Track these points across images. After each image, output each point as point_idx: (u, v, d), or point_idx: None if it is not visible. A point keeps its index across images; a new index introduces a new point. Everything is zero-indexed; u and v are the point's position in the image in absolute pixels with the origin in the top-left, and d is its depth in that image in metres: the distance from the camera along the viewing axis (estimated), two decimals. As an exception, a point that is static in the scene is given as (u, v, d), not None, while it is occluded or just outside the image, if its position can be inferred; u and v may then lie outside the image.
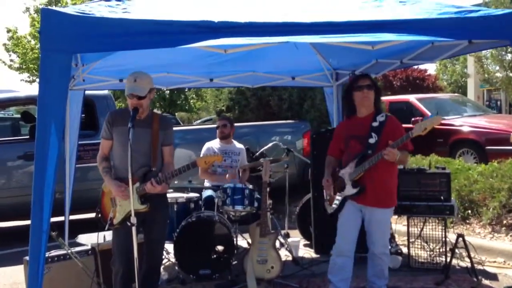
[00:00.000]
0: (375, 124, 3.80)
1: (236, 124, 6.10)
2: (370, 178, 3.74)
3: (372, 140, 3.76)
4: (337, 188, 3.92)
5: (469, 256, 4.70)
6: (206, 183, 5.65)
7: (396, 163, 3.71)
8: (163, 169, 3.74)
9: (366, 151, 3.73)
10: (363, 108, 3.88)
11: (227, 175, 5.45)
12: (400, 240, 5.70)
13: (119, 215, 3.64)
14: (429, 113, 9.91)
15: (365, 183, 3.75)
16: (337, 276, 3.90)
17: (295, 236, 5.96)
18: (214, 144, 5.72)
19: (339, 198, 3.88)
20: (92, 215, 3.99)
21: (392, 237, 5.32)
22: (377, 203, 3.79)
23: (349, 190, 3.82)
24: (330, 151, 4.13)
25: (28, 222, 3.07)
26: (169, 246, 4.92)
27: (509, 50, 14.99)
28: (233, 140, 5.79)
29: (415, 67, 16.65)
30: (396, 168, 3.93)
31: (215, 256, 4.71)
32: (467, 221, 6.09)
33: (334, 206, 3.92)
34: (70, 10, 3.02)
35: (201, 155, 5.66)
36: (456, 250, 4.82)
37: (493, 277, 4.77)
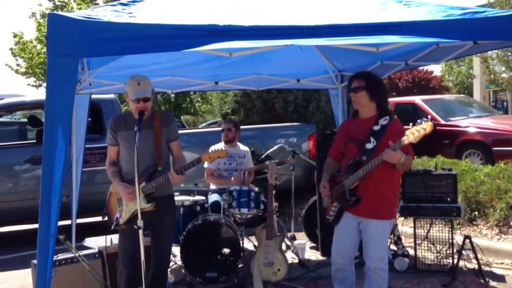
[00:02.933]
0: (376, 128, 3.50)
1: (241, 127, 6.11)
2: (364, 187, 3.48)
3: (369, 146, 3.47)
4: (334, 195, 3.69)
5: (476, 258, 4.68)
6: (212, 187, 5.66)
7: (399, 167, 3.40)
8: (175, 163, 3.78)
9: (361, 157, 3.47)
10: (361, 110, 3.62)
11: (232, 178, 5.46)
12: (407, 242, 5.69)
13: (125, 215, 3.68)
14: (435, 115, 9.89)
15: (360, 192, 3.50)
16: (341, 286, 3.79)
17: (301, 239, 5.96)
18: (219, 147, 5.72)
19: (336, 207, 3.67)
20: (99, 218, 4.02)
21: (398, 239, 5.32)
22: (371, 214, 3.50)
23: (345, 199, 3.57)
24: (330, 152, 3.90)
25: (35, 225, 3.09)
26: (175, 249, 4.93)
27: (515, 50, 14.95)
28: (238, 143, 5.79)
29: (421, 68, 16.61)
30: (397, 178, 3.65)
31: (221, 259, 4.71)
32: (474, 223, 6.06)
33: (330, 217, 3.72)
34: (76, 14, 3.04)
35: None
36: (463, 252, 4.80)
37: (501, 278, 4.75)
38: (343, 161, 3.72)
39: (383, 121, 3.51)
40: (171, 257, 4.96)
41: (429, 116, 3.30)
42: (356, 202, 3.53)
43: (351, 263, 3.76)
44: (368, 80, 3.58)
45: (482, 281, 4.56)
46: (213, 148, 5.75)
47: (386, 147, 3.26)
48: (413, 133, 3.13)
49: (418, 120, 3.18)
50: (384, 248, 3.65)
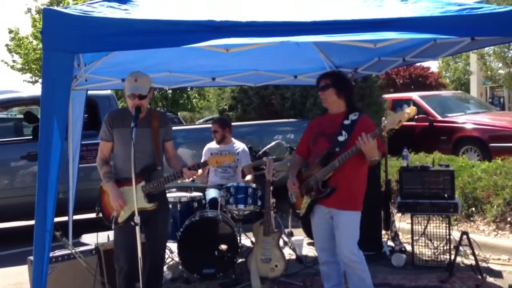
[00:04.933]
0: (346, 122, 3.63)
1: (239, 123, 6.09)
2: (335, 179, 3.56)
3: (341, 138, 3.57)
4: (305, 189, 3.74)
5: (473, 254, 4.69)
6: (210, 183, 5.64)
7: (368, 159, 3.45)
8: (172, 162, 3.81)
9: (334, 149, 3.55)
10: (330, 107, 3.74)
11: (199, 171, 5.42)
12: (404, 238, 5.69)
13: (124, 213, 3.62)
14: (432, 111, 9.91)
15: (331, 184, 3.57)
16: (328, 283, 3.84)
17: (299, 235, 5.96)
18: (213, 145, 5.73)
19: (307, 201, 3.72)
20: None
21: (396, 235, 5.32)
22: (339, 205, 3.59)
23: (319, 191, 3.62)
24: (298, 150, 3.99)
25: (32, 222, 3.07)
26: (172, 246, 4.93)
27: (511, 47, 14.96)
28: (232, 140, 5.75)
29: (418, 64, 16.61)
30: (364, 172, 3.71)
31: (219, 255, 4.71)
32: (471, 219, 6.08)
33: (301, 211, 3.78)
34: (72, 10, 3.02)
35: (202, 158, 5.67)
36: (460, 248, 4.82)
37: (498, 274, 4.76)
38: (311, 157, 3.78)
39: (352, 116, 3.66)
40: (169, 253, 4.97)
41: (409, 104, 3.35)
42: (330, 193, 3.58)
43: (333, 255, 3.78)
44: (334, 78, 3.75)
45: (479, 277, 4.57)
46: (207, 146, 5.76)
47: (364, 135, 3.32)
48: (394, 118, 3.25)
49: (399, 108, 3.26)
50: (354, 240, 3.64)
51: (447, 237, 4.96)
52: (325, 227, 3.73)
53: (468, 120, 9.42)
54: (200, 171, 3.92)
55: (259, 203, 4.90)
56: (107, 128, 3.70)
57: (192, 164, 3.66)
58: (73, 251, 4.17)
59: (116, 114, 3.80)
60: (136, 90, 3.54)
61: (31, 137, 7.21)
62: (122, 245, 3.72)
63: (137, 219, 3.34)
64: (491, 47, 14.98)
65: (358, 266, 3.62)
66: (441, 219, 5.08)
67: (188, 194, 5.21)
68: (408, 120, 3.38)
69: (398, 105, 10.37)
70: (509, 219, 5.77)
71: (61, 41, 2.94)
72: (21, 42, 19.30)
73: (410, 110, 3.23)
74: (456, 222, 5.84)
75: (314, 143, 3.76)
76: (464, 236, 4.70)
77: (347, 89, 3.76)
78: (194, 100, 21.42)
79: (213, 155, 5.55)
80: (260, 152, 6.09)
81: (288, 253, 5.28)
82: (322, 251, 3.82)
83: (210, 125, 6.60)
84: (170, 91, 18.44)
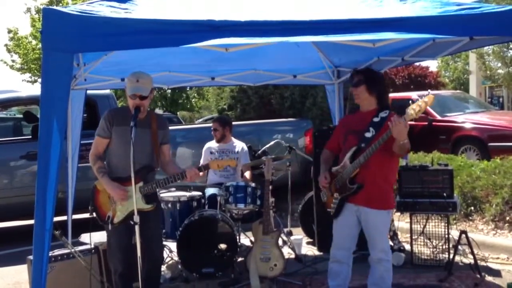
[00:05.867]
0: (376, 119, 3.59)
1: (238, 123, 6.09)
2: (362, 176, 3.54)
3: (368, 134, 3.54)
4: (334, 187, 3.74)
5: (472, 253, 4.70)
6: (209, 182, 5.65)
7: (399, 150, 3.39)
8: (168, 166, 3.82)
9: (360, 145, 3.53)
10: (361, 104, 3.74)
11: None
12: (403, 237, 5.70)
13: (121, 214, 3.62)
14: (431, 110, 9.90)
15: (358, 180, 3.55)
16: (334, 281, 3.82)
17: (298, 234, 5.97)
18: (212, 144, 5.73)
19: (337, 199, 3.69)
20: (94, 214, 4.00)
21: (395, 234, 5.33)
22: (368, 203, 3.55)
23: (347, 188, 3.61)
24: (328, 145, 3.95)
25: (31, 221, 3.08)
26: (172, 245, 4.93)
27: (510, 46, 14.98)
28: (232, 139, 5.76)
29: (417, 64, 16.60)
30: (393, 167, 3.71)
31: (218, 254, 4.71)
32: (470, 218, 6.08)
33: (331, 209, 3.75)
34: (71, 9, 3.03)
35: (202, 157, 5.68)
36: (459, 247, 4.82)
37: (497, 273, 4.77)
38: (341, 154, 3.75)
39: (383, 114, 3.61)
40: (168, 252, 4.98)
41: (429, 90, 3.33)
42: (358, 190, 3.56)
43: (348, 256, 3.79)
44: (367, 75, 3.72)
45: (478, 276, 4.58)
46: (207, 145, 5.76)
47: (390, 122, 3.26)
48: (414, 108, 3.19)
49: (418, 97, 3.23)
50: (386, 239, 3.70)
51: (446, 236, 4.96)
52: (350, 226, 3.69)
53: (467, 119, 9.42)
54: (201, 173, 3.94)
55: (258, 202, 4.91)
56: (106, 125, 3.68)
57: (199, 166, 3.70)
58: (72, 250, 4.17)
59: (117, 112, 3.80)
60: (137, 91, 3.54)
61: (30, 136, 7.20)
62: (116, 246, 3.72)
63: (136, 218, 3.33)
64: (490, 47, 14.99)
65: (386, 264, 3.64)
66: (440, 218, 5.09)
67: (187, 193, 5.21)
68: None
69: (397, 104, 10.42)
70: (507, 218, 5.78)
71: (61, 41, 2.95)
72: (20, 41, 19.25)
73: (428, 99, 3.19)
74: (455, 221, 5.84)
75: (344, 141, 3.74)
76: (463, 235, 4.71)
77: (379, 87, 3.72)
78: (193, 100, 21.41)
79: (213, 154, 5.57)
80: (259, 152, 6.09)
81: (287, 252, 5.29)
82: (339, 250, 3.77)
83: (209, 125, 6.63)
84: (169, 90, 18.44)
